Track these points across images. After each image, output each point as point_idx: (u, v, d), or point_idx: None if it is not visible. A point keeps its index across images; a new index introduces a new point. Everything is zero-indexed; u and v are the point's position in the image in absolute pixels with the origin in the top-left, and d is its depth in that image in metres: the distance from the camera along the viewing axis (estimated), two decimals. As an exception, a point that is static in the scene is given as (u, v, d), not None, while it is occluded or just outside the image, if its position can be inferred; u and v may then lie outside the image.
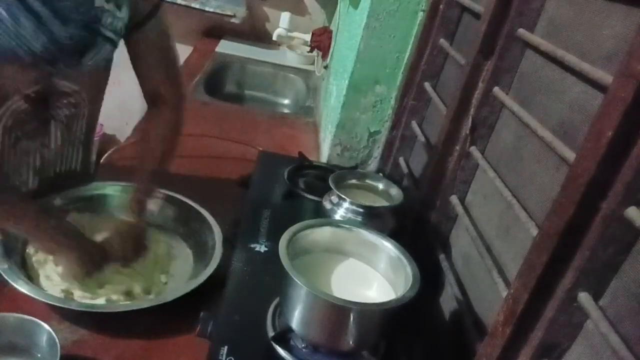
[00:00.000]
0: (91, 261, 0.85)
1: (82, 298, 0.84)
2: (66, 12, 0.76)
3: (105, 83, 0.99)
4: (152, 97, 1.00)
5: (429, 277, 0.79)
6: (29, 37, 0.73)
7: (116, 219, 0.95)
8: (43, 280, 0.86)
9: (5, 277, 0.80)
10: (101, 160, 1.32)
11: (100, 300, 0.84)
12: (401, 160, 1.22)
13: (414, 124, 1.17)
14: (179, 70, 1.02)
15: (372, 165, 1.38)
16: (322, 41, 1.90)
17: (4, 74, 0.78)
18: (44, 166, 0.96)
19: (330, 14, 2.22)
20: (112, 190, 1.07)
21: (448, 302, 0.84)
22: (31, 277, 0.86)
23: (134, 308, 0.81)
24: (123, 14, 0.86)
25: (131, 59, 0.96)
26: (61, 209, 0.96)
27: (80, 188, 1.04)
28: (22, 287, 0.79)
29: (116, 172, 1.23)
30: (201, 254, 0.97)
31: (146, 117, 1.03)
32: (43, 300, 0.79)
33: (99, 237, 0.89)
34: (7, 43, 0.73)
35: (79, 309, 0.81)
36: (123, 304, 0.83)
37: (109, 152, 1.37)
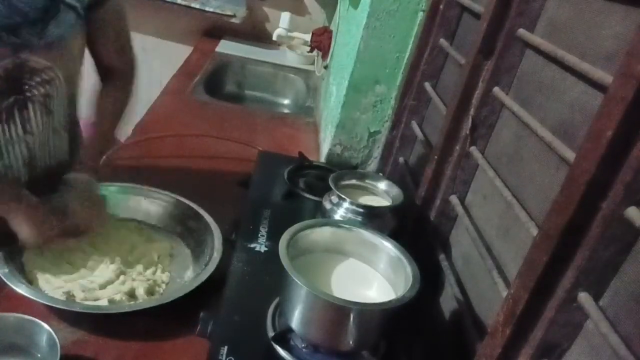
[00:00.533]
0: (46, 225, 0.86)
1: (84, 300, 0.84)
2: None
3: (81, 62, 1.01)
4: (105, 71, 1.06)
5: (429, 277, 0.79)
6: None
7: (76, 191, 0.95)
8: (43, 284, 0.86)
9: (5, 280, 0.80)
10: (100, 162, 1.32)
11: (103, 302, 0.84)
12: (401, 160, 1.22)
13: (414, 124, 1.17)
14: (132, 48, 1.09)
15: (372, 165, 1.38)
16: (322, 41, 1.90)
17: None
18: (30, 156, 0.95)
19: (330, 14, 2.22)
20: (112, 190, 1.07)
21: (448, 302, 0.84)
22: (30, 281, 0.86)
23: (134, 309, 0.81)
24: None
25: (89, 37, 1.00)
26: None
27: None
28: (22, 290, 0.79)
29: (116, 172, 1.23)
30: (201, 254, 0.97)
31: (99, 92, 1.07)
32: (43, 302, 0.79)
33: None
34: None
35: (79, 310, 0.80)
36: (122, 305, 0.83)
37: (109, 152, 1.36)
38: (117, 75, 1.06)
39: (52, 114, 0.96)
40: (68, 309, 0.80)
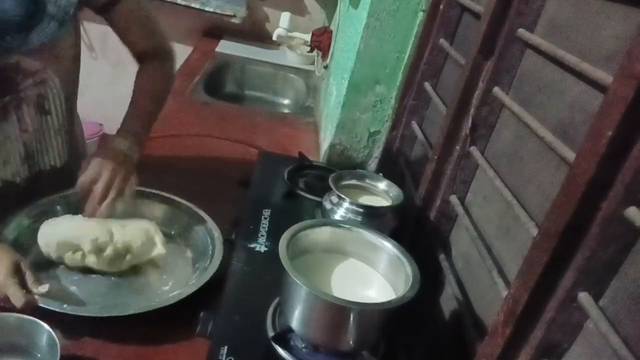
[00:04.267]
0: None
1: (72, 261, 0.88)
2: None
3: (77, 67, 1.03)
4: (140, 57, 1.08)
5: (429, 277, 0.79)
6: None
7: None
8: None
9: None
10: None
11: (91, 259, 0.87)
12: (401, 160, 1.22)
13: (414, 124, 1.17)
14: (161, 31, 1.10)
15: (372, 165, 1.38)
16: (322, 41, 1.90)
17: None
18: (28, 153, 0.98)
19: (330, 14, 2.22)
20: None
21: (448, 302, 0.84)
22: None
23: (133, 312, 0.80)
24: None
25: (115, 31, 1.02)
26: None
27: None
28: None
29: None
30: (201, 254, 0.97)
31: (137, 71, 1.08)
32: (42, 305, 0.78)
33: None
34: None
35: (78, 314, 0.79)
36: (122, 309, 0.82)
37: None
38: (152, 57, 1.07)
39: (49, 113, 0.99)
40: (67, 312, 0.79)
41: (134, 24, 1.02)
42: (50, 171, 1.03)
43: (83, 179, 0.91)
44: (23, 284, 0.76)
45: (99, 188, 0.91)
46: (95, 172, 0.92)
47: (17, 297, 0.73)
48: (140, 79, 1.06)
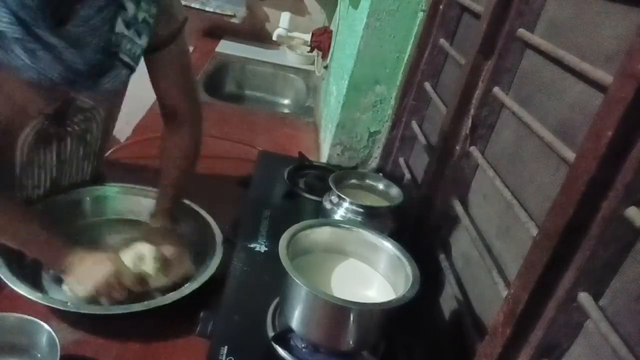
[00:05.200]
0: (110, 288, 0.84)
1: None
2: (80, 37, 0.78)
3: (121, 100, 1.03)
4: (170, 113, 1.02)
5: (429, 277, 0.79)
6: (47, 67, 0.76)
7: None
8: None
9: (5, 281, 0.80)
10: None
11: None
12: (401, 160, 1.22)
13: (414, 124, 1.17)
14: (196, 90, 1.06)
15: (372, 165, 1.38)
16: (322, 41, 1.90)
17: (27, 99, 0.83)
18: (58, 178, 1.00)
19: (330, 14, 2.22)
20: (112, 192, 1.07)
21: (448, 302, 0.84)
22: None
23: (134, 310, 0.80)
24: (142, 41, 0.87)
25: (150, 76, 0.99)
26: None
27: (79, 190, 1.04)
28: (22, 290, 0.79)
29: (116, 172, 1.23)
30: (201, 254, 0.97)
31: (164, 134, 1.03)
32: (42, 303, 0.79)
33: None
34: (27, 75, 0.76)
35: (79, 311, 0.80)
36: (122, 307, 0.82)
37: (109, 151, 1.37)
38: (182, 121, 1.02)
39: (88, 144, 1.00)
40: (67, 309, 0.79)
41: (173, 73, 0.98)
42: (68, 186, 1.04)
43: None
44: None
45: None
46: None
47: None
48: (168, 145, 1.02)
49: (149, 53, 0.92)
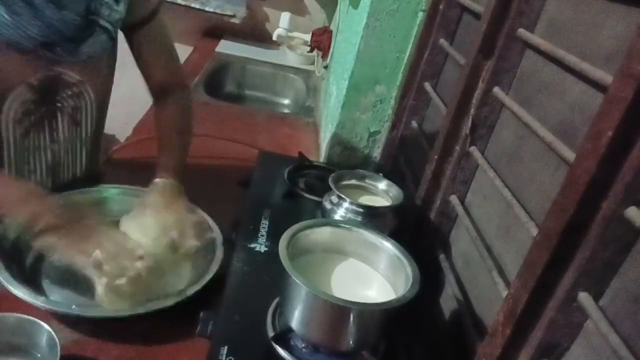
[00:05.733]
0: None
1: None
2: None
3: (111, 80, 1.04)
4: (157, 91, 1.05)
5: (429, 277, 0.79)
6: (26, 24, 0.78)
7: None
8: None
9: (5, 283, 0.80)
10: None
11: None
12: (401, 160, 1.22)
13: (414, 124, 1.17)
14: (180, 65, 1.10)
15: (372, 165, 1.38)
16: (322, 41, 1.90)
17: (7, 64, 0.83)
18: (54, 163, 0.99)
19: (330, 14, 2.22)
20: (112, 193, 1.07)
21: (448, 302, 0.84)
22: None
23: (134, 313, 0.80)
24: (120, 8, 0.91)
25: (135, 57, 1.02)
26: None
27: (79, 191, 1.03)
28: (22, 293, 0.78)
29: (116, 173, 1.23)
30: (201, 255, 0.97)
31: (155, 110, 1.07)
32: (42, 305, 0.78)
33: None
34: (7, 33, 0.78)
35: (79, 314, 0.79)
36: (123, 310, 0.82)
37: (109, 151, 1.37)
38: (170, 92, 1.05)
39: (80, 125, 1.00)
40: (67, 312, 0.79)
41: (155, 48, 1.02)
42: (73, 179, 1.04)
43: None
44: None
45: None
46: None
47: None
48: (161, 117, 1.05)
49: (131, 32, 0.97)
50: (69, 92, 0.94)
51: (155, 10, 0.99)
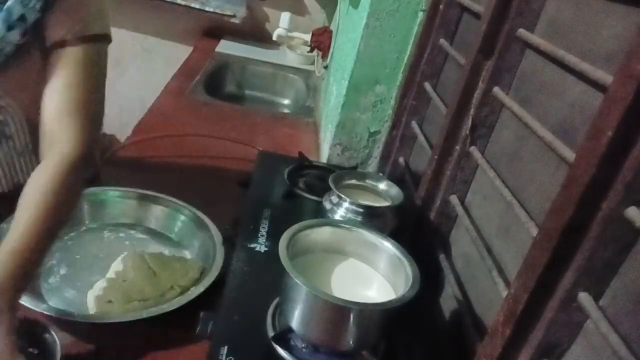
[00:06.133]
0: None
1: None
2: None
3: (39, 88, 0.87)
4: (44, 137, 0.84)
5: (429, 277, 0.79)
6: None
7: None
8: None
9: None
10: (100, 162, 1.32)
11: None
12: (401, 160, 1.22)
13: (414, 124, 1.17)
14: (87, 113, 0.85)
15: (372, 165, 1.38)
16: (322, 41, 1.90)
17: None
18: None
19: (330, 14, 2.22)
20: (111, 195, 1.07)
21: (448, 302, 0.84)
22: None
23: (135, 318, 0.80)
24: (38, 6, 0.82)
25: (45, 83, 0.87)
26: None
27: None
28: (25, 301, 0.78)
29: (116, 173, 1.23)
30: (201, 256, 0.97)
31: (32, 175, 0.80)
32: (41, 311, 0.78)
33: None
34: None
35: (79, 320, 0.79)
36: (122, 314, 0.82)
37: (108, 152, 1.37)
38: (50, 140, 0.82)
39: (11, 138, 0.95)
40: (68, 318, 0.78)
41: (57, 77, 0.84)
42: (13, 191, 0.96)
43: None
44: None
45: None
46: None
47: None
48: (29, 187, 0.77)
49: (53, 50, 0.86)
50: None
51: (82, 37, 0.86)
